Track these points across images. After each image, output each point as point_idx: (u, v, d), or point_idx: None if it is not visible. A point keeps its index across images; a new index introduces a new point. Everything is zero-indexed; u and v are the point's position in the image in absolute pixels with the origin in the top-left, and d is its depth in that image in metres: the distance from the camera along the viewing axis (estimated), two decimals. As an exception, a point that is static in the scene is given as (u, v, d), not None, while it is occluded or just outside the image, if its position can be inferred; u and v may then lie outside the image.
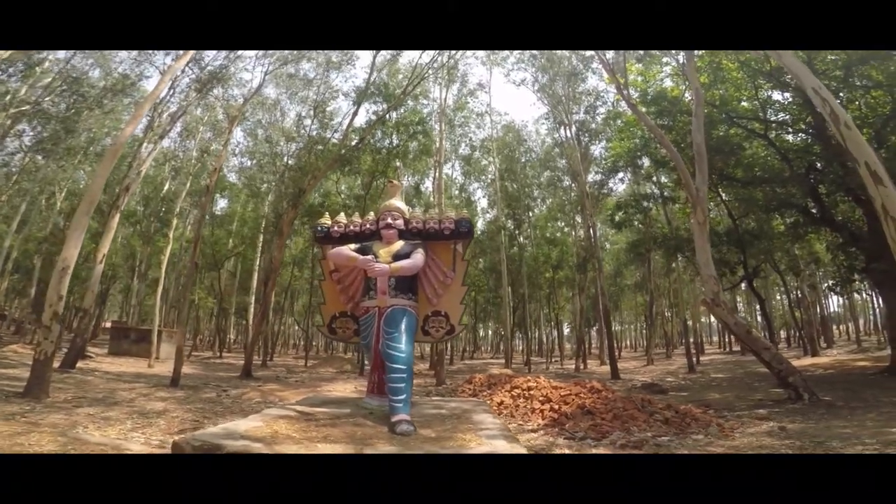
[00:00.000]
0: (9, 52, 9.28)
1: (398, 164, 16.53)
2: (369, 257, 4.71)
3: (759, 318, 31.84)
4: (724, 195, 14.12)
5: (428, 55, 13.75)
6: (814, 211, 12.32)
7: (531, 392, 7.67)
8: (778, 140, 12.68)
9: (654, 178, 16.14)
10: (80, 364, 12.22)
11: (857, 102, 10.66)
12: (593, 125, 18.78)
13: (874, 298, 27.38)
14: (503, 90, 38.77)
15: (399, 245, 4.91)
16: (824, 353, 19.45)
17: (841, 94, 9.95)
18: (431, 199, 19.72)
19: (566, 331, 39.67)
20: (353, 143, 13.52)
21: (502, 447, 3.46)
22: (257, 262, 21.03)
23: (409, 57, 16.87)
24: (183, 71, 10.36)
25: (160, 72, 11.31)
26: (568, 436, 5.63)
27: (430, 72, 14.11)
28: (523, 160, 23.41)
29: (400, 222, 5.11)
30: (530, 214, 24.77)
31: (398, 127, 14.58)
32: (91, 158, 16.08)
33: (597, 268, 17.96)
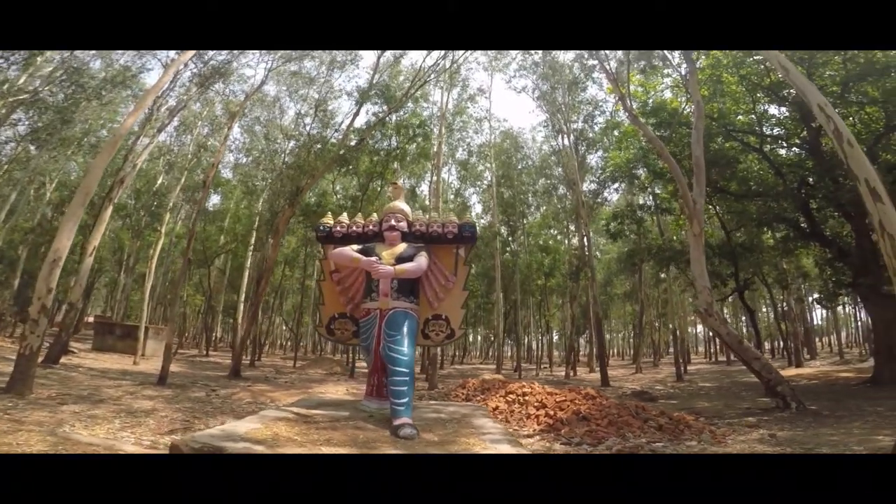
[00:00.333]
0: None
1: (396, 166, 16.52)
2: (373, 258, 4.68)
3: (745, 330, 32.34)
4: (717, 208, 14.34)
5: (431, 58, 13.83)
6: (804, 226, 12.57)
7: (526, 398, 7.67)
8: (772, 154, 12.94)
9: (649, 190, 16.35)
10: (63, 359, 11.93)
11: (851, 119, 10.92)
12: (591, 134, 18.98)
13: (857, 312, 27.99)
14: (503, 96, 39.01)
15: (402, 247, 4.88)
16: (808, 364, 19.81)
17: (837, 110, 10.19)
18: (427, 202, 19.73)
19: (554, 338, 39.84)
20: (353, 144, 13.47)
21: (506, 451, 3.45)
22: (248, 260, 20.79)
23: (411, 59, 16.96)
24: (185, 65, 10.25)
25: (163, 65, 11.19)
26: (564, 441, 5.65)
27: (433, 75, 14.15)
28: (520, 167, 23.54)
29: (403, 224, 5.09)
30: (525, 221, 24.88)
31: (399, 129, 14.58)
32: (85, 150, 15.82)
33: (590, 276, 18.08)
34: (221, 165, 20.15)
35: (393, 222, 5.01)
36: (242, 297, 20.80)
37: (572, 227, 24.26)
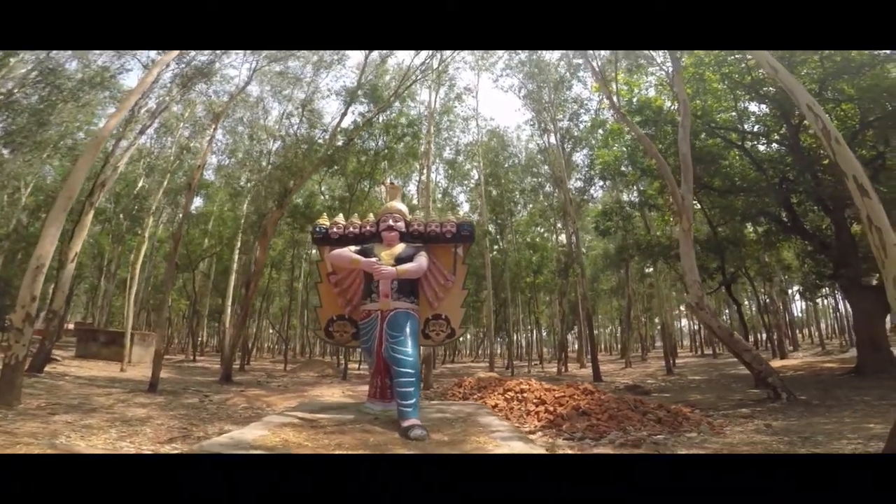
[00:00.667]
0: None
1: (384, 166, 16.44)
2: (373, 259, 4.64)
3: (727, 322, 33.10)
4: (701, 203, 14.65)
5: (419, 57, 13.79)
6: (785, 220, 12.93)
7: (524, 394, 7.73)
8: (753, 150, 13.27)
9: (636, 186, 16.62)
10: (47, 368, 11.58)
11: (828, 115, 11.27)
12: (576, 132, 19.19)
13: (836, 303, 28.89)
14: (489, 95, 39.12)
15: (401, 248, 4.86)
16: (791, 355, 20.39)
17: (815, 108, 10.53)
18: (415, 201, 19.69)
19: (542, 335, 40.21)
20: (341, 144, 13.35)
21: (519, 448, 3.48)
22: (234, 263, 20.44)
23: (398, 58, 16.86)
24: (167, 65, 10.01)
25: (143, 65, 10.90)
26: (567, 437, 5.71)
27: (420, 74, 14.11)
28: (507, 165, 23.67)
29: (401, 224, 5.06)
30: (512, 219, 25.03)
31: (387, 128, 14.51)
32: (62, 153, 15.34)
33: (579, 273, 18.28)
34: (204, 167, 19.75)
35: (391, 222, 4.98)
36: (229, 301, 20.45)
37: (559, 225, 24.52)
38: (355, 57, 35.21)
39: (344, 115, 13.29)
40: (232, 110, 16.17)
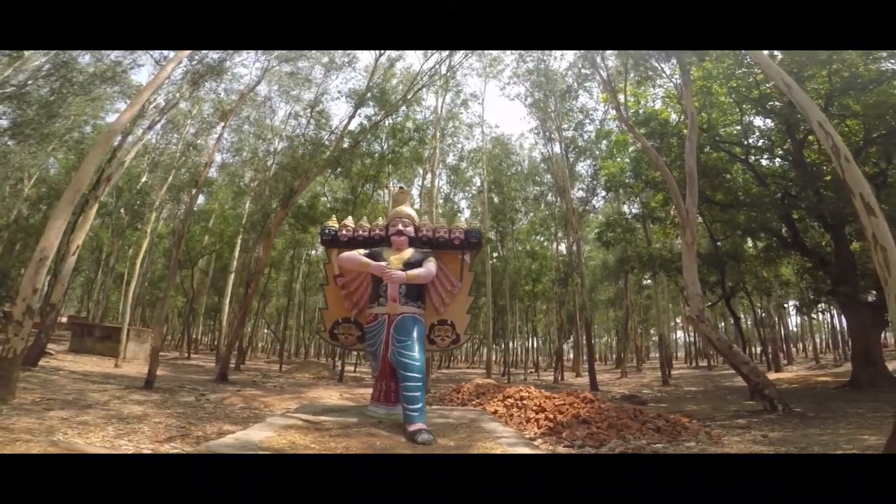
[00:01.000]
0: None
1: (389, 169, 16.48)
2: (383, 263, 4.66)
3: (724, 336, 33.12)
4: (703, 217, 14.73)
5: (428, 62, 13.88)
6: (786, 235, 13.01)
7: (524, 402, 7.72)
8: (756, 165, 13.36)
9: (639, 199, 16.69)
10: (41, 362, 11.49)
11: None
12: (581, 142, 19.30)
13: (831, 318, 29.00)
14: (495, 103, 39.34)
15: (409, 252, 4.88)
16: (786, 368, 20.46)
17: (818, 123, 10.64)
18: (417, 206, 19.72)
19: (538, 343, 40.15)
20: (348, 147, 13.38)
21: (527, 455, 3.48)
22: (234, 262, 20.39)
23: (406, 62, 16.95)
24: (181, 62, 10.05)
25: (155, 60, 10.93)
26: (567, 444, 5.71)
27: (428, 78, 14.20)
28: (510, 173, 23.77)
29: (410, 229, 5.09)
30: (513, 227, 25.11)
31: (394, 132, 14.57)
32: (68, 146, 15.32)
33: (579, 282, 18.31)
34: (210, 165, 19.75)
35: (400, 227, 5.01)
36: (227, 300, 20.39)
37: (559, 234, 24.57)
38: (364, 59, 35.42)
39: (352, 117, 13.36)
40: (239, 109, 16.21)
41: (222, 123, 13.29)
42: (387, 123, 14.43)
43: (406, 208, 5.51)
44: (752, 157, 13.35)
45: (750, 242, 16.01)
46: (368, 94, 12.91)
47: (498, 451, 3.59)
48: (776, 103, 11.42)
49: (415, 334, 4.59)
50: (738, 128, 13.24)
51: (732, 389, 13.20)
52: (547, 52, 16.88)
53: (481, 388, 9.90)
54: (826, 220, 11.28)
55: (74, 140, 15.34)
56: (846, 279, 11.24)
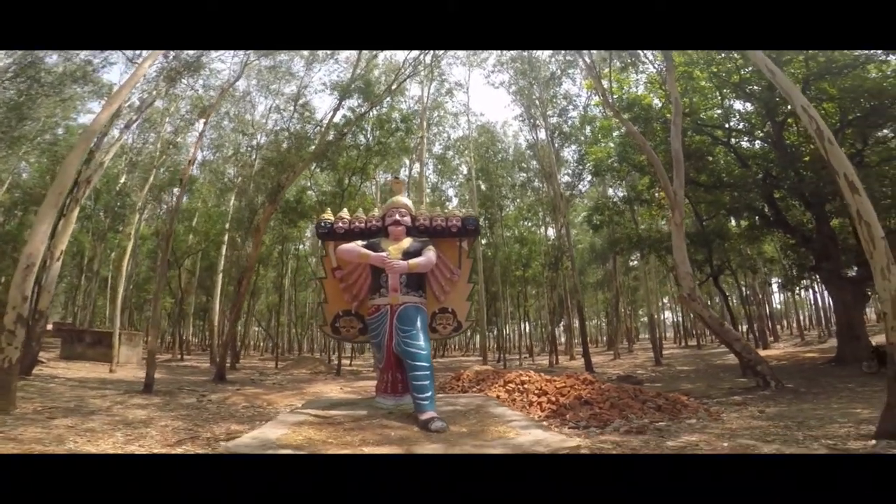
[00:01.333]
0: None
1: (375, 161, 16.36)
2: (383, 254, 4.67)
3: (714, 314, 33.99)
4: (688, 198, 15.01)
5: (412, 53, 13.73)
6: (769, 214, 13.37)
7: (525, 386, 7.87)
8: (738, 147, 13.66)
9: (626, 182, 16.94)
10: (35, 370, 11.27)
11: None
12: (566, 128, 19.41)
13: (814, 295, 29.92)
14: (479, 91, 39.21)
15: (408, 242, 4.89)
16: (773, 346, 21.11)
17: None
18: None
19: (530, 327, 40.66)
20: (333, 139, 13.23)
21: (542, 436, 3.58)
22: (221, 260, 20.10)
23: (390, 53, 16.73)
24: (156, 59, 9.76)
25: (128, 59, 10.59)
26: (572, 425, 5.87)
27: (411, 69, 14.07)
28: (496, 160, 23.82)
29: (407, 219, 5.09)
30: (502, 214, 25.24)
31: (381, 123, 14.44)
32: (41, 148, 14.83)
33: (570, 266, 18.57)
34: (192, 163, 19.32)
35: (397, 217, 5.00)
36: (217, 299, 20.15)
37: (548, 219, 24.78)
38: (346, 51, 34.72)
39: (337, 109, 13.17)
40: (220, 105, 15.85)
41: (203, 120, 12.96)
42: (372, 115, 14.30)
43: (402, 198, 5.48)
44: (734, 140, 13.64)
45: (733, 221, 16.43)
46: (353, 86, 12.73)
47: (511, 434, 3.66)
48: (755, 87, 11.66)
49: (418, 323, 4.61)
50: (720, 111, 13.48)
51: (724, 367, 13.59)
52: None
53: (481, 375, 10.04)
54: (807, 198, 11.63)
55: (47, 142, 14.83)
56: (828, 255, 11.63)
